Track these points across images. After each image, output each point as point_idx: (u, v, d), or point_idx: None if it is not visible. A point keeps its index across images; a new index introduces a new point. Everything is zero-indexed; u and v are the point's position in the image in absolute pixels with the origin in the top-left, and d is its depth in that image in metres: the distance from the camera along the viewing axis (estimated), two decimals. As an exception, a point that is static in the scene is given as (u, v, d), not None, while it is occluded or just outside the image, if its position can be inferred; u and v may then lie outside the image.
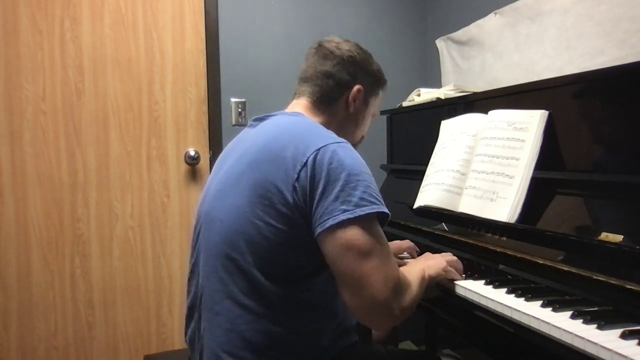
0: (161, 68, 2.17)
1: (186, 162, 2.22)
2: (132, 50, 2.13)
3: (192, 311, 1.10)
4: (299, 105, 1.17)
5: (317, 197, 0.94)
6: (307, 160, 0.95)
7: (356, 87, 1.18)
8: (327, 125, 1.13)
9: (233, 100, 2.28)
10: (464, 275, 1.18)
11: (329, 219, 0.92)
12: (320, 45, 1.21)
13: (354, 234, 0.92)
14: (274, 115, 1.14)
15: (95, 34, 2.07)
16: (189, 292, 1.13)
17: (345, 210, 0.91)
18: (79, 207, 2.07)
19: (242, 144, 1.10)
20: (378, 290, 0.92)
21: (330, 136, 1.01)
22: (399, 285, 0.95)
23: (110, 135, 2.11)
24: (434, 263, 1.13)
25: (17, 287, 2.00)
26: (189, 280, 1.13)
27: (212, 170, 1.18)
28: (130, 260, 2.15)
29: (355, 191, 0.93)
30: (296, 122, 1.08)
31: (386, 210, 0.97)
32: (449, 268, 1.15)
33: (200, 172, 2.26)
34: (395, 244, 1.43)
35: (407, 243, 1.45)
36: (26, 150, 2.00)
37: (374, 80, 1.24)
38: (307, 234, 0.96)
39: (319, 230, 0.93)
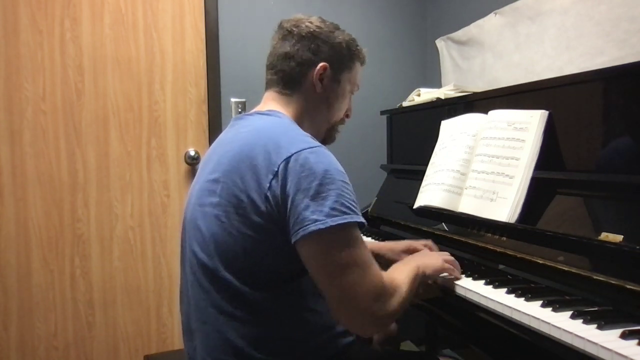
0: (161, 68, 2.17)
1: (186, 162, 2.22)
2: (132, 50, 2.13)
3: (187, 328, 1.08)
4: (270, 99, 1.13)
5: (288, 206, 0.91)
6: (278, 169, 0.92)
7: (320, 64, 1.10)
8: (301, 113, 1.11)
9: (233, 100, 2.28)
10: (462, 276, 1.17)
11: (299, 229, 0.89)
12: (279, 27, 1.14)
13: (327, 246, 0.90)
14: (250, 115, 1.11)
15: (95, 34, 2.07)
16: (182, 307, 1.12)
17: (316, 221, 0.88)
18: (79, 207, 2.07)
19: (221, 148, 1.07)
20: (360, 301, 0.90)
21: (303, 140, 0.97)
22: (383, 291, 0.93)
23: (110, 135, 2.11)
24: (430, 261, 1.11)
25: (17, 287, 2.00)
26: (181, 288, 1.12)
27: (197, 171, 1.15)
28: (130, 260, 2.15)
29: (326, 200, 0.89)
30: (269, 125, 1.04)
31: (360, 220, 0.93)
32: (448, 266, 1.13)
33: (200, 172, 2.26)
34: (407, 243, 1.35)
35: (425, 242, 1.33)
36: (26, 150, 2.00)
37: (344, 54, 1.14)
38: (282, 242, 0.93)
39: (293, 239, 0.91)
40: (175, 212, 2.22)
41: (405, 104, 2.05)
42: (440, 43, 2.45)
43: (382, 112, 2.18)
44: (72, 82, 2.05)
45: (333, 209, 0.89)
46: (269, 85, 1.14)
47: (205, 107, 2.25)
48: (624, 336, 0.78)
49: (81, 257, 2.08)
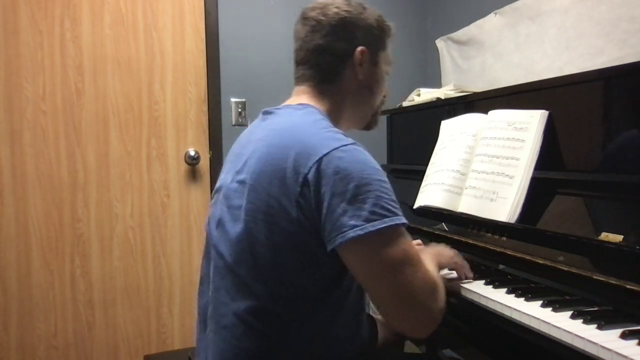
0: (161, 68, 2.17)
1: (186, 162, 2.22)
2: (132, 50, 2.13)
3: (202, 319, 1.05)
4: (303, 94, 1.06)
5: (324, 212, 0.86)
6: (308, 173, 0.87)
7: (358, 49, 1.03)
8: (340, 105, 1.05)
9: (233, 100, 2.28)
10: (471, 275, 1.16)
11: (337, 235, 0.84)
12: (304, 17, 1.05)
13: (370, 251, 0.85)
14: (279, 109, 1.04)
15: (95, 34, 2.07)
16: (199, 297, 1.08)
17: (354, 226, 0.83)
18: (79, 207, 2.07)
19: (251, 145, 1.01)
20: (417, 298, 0.86)
21: (334, 137, 0.91)
22: (436, 286, 0.90)
23: (110, 135, 2.11)
24: (442, 251, 1.10)
25: (17, 287, 2.00)
26: (200, 285, 1.09)
27: (225, 165, 1.09)
28: (130, 260, 2.15)
29: (364, 204, 0.84)
30: (298, 123, 0.98)
31: (402, 221, 0.88)
32: (457, 260, 1.12)
33: (200, 172, 2.26)
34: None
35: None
36: (26, 150, 2.00)
37: (377, 33, 1.07)
38: (313, 252, 0.89)
39: (329, 247, 0.86)
40: (175, 212, 2.22)
41: (405, 104, 2.05)
42: (440, 43, 2.45)
43: (382, 112, 2.17)
44: (72, 82, 2.05)
45: (372, 212, 0.84)
46: (301, 79, 1.07)
47: (205, 107, 2.25)
48: (624, 336, 0.78)
49: (81, 257, 2.08)
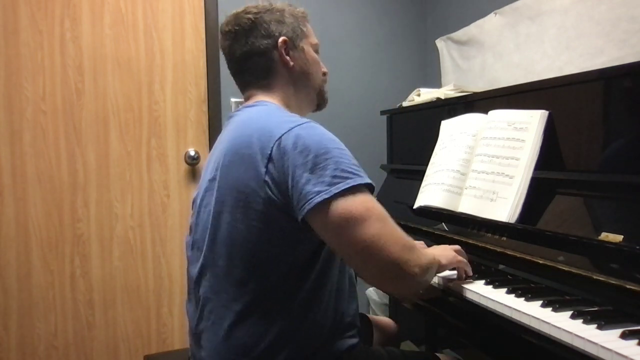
0: (161, 68, 2.17)
1: (186, 162, 2.22)
2: (132, 50, 2.13)
3: (194, 322, 1.08)
4: (253, 94, 1.14)
5: (290, 185, 0.91)
6: (271, 152, 0.92)
7: (279, 40, 1.10)
8: (286, 94, 1.12)
9: (233, 100, 2.28)
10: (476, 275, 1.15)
11: (305, 203, 0.88)
12: (222, 33, 1.14)
13: (338, 212, 0.88)
14: (239, 111, 1.12)
15: (95, 34, 2.07)
16: (188, 304, 1.12)
17: (319, 192, 0.88)
18: (79, 207, 2.07)
19: (217, 148, 1.09)
20: (388, 251, 0.88)
21: (290, 120, 0.97)
22: (409, 243, 0.91)
23: (110, 135, 2.11)
24: (444, 252, 1.10)
25: (17, 287, 2.00)
26: (188, 294, 1.12)
27: (204, 165, 1.16)
28: (130, 260, 2.15)
29: (325, 171, 0.89)
30: (256, 114, 1.05)
31: (365, 180, 0.92)
32: (461, 258, 1.12)
33: (200, 172, 2.25)
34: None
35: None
36: (26, 150, 2.00)
37: (292, 22, 1.14)
38: (288, 227, 0.93)
39: (299, 216, 0.90)
40: (175, 212, 2.22)
41: (405, 104, 2.05)
42: (440, 43, 2.45)
43: (382, 112, 2.18)
44: (72, 82, 2.05)
45: (334, 176, 0.89)
46: (245, 88, 1.16)
47: (205, 107, 2.25)
48: (624, 336, 0.78)
49: (81, 257, 2.08)
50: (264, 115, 1.03)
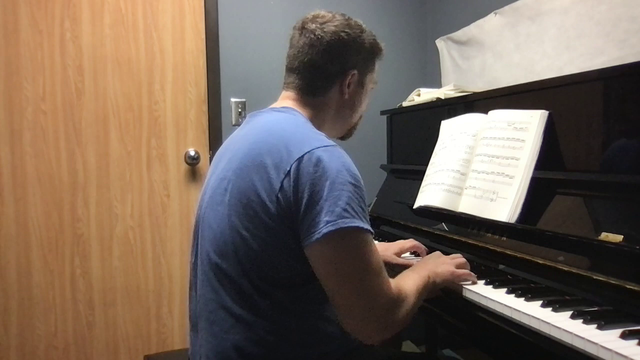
0: (161, 68, 2.17)
1: (186, 162, 2.22)
2: (132, 50, 2.13)
3: (194, 323, 1.07)
4: (289, 99, 1.09)
5: (302, 208, 0.89)
6: (290, 169, 0.90)
7: (350, 73, 1.08)
8: (319, 115, 1.08)
9: (233, 100, 2.28)
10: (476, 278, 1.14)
11: (314, 232, 0.87)
12: (304, 28, 1.07)
13: (339, 249, 0.88)
14: (264, 112, 1.08)
15: (95, 34, 2.07)
16: (189, 302, 1.11)
17: (328, 222, 0.86)
18: (79, 207, 2.07)
19: (234, 145, 1.05)
20: (375, 309, 0.90)
21: (316, 138, 0.94)
22: (392, 301, 0.92)
23: (110, 135, 2.11)
24: (441, 270, 1.09)
25: (17, 287, 2.00)
26: (190, 290, 1.11)
27: (210, 167, 1.14)
28: (130, 260, 2.15)
29: (339, 201, 0.87)
30: (281, 123, 1.01)
31: (368, 228, 0.91)
32: (458, 274, 1.11)
33: (200, 172, 2.26)
34: (398, 244, 1.40)
35: (410, 242, 1.40)
36: (26, 150, 2.00)
37: (369, 58, 1.12)
38: (294, 243, 0.92)
39: (306, 243, 0.90)
40: (175, 212, 2.22)
41: (405, 104, 2.05)
42: (440, 43, 2.45)
43: (382, 112, 2.18)
44: (72, 82, 2.05)
45: (345, 210, 0.87)
46: (290, 86, 1.10)
47: (205, 107, 2.25)
48: (624, 336, 0.78)
49: (81, 257, 2.08)
50: (289, 126, 1.00)
